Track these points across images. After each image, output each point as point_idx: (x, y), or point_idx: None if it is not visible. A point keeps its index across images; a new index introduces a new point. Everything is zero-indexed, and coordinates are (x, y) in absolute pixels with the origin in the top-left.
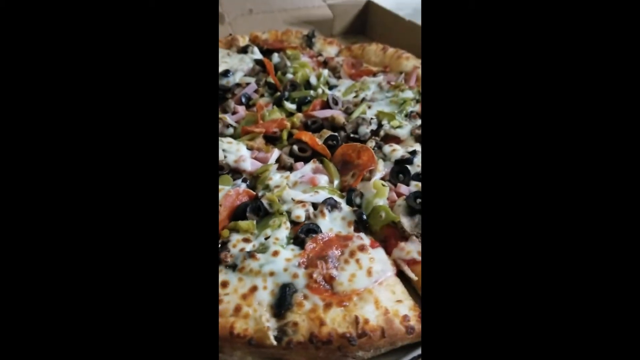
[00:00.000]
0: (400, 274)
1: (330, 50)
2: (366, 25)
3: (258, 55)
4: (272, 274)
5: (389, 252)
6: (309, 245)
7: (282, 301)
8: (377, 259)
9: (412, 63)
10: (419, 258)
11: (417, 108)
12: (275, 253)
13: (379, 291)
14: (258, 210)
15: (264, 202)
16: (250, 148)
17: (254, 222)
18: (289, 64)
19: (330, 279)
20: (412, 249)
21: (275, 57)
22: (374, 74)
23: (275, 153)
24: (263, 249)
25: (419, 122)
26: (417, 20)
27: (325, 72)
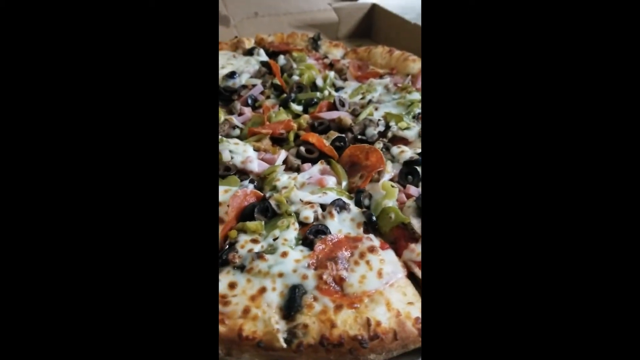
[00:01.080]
0: (411, 276)
1: (336, 53)
2: (371, 29)
3: (264, 57)
4: (281, 275)
5: (399, 254)
6: (318, 246)
7: (292, 303)
8: (388, 261)
9: (418, 65)
10: None
11: None
12: (284, 254)
13: (390, 293)
14: (266, 211)
15: (272, 202)
16: (256, 149)
17: (262, 222)
18: (295, 66)
19: (340, 281)
20: None
21: (281, 59)
22: (381, 76)
23: (282, 154)
24: (272, 249)
25: None
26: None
27: (332, 74)
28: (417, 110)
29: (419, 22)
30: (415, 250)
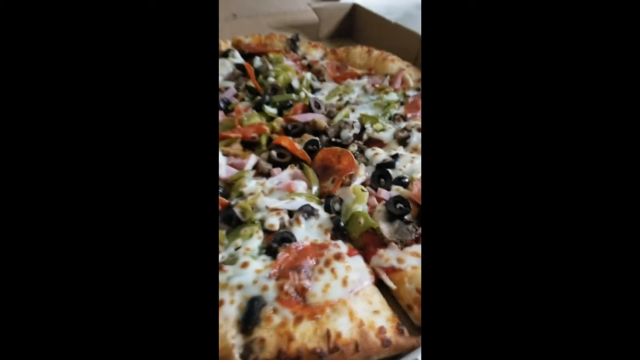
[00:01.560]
0: (379, 283)
1: (315, 54)
2: (353, 29)
3: (239, 59)
4: (240, 286)
5: (367, 260)
6: (282, 255)
7: (250, 316)
8: (354, 268)
9: (397, 65)
10: (398, 265)
11: (401, 110)
12: (245, 264)
13: (355, 302)
14: (230, 219)
15: (236, 210)
16: (226, 154)
17: (224, 232)
18: (271, 67)
19: (302, 291)
20: (391, 256)
21: (257, 61)
22: (359, 77)
23: (252, 159)
24: (232, 260)
25: (402, 124)
26: (407, 23)
27: (309, 75)
28: (394, 111)
29: (404, 22)
30: (384, 255)
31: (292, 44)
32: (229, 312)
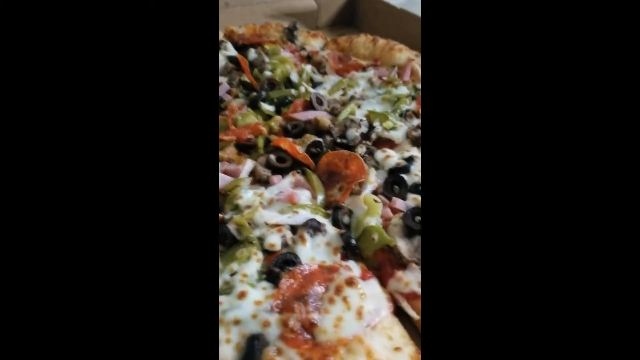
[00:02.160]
0: (399, 311)
1: (315, 44)
2: (355, 16)
3: (232, 51)
4: (237, 322)
5: (384, 284)
6: (285, 281)
7: (250, 358)
8: (370, 295)
9: (405, 55)
10: (420, 291)
11: (413, 106)
12: (242, 294)
13: (372, 338)
14: (224, 239)
15: (231, 227)
16: (218, 160)
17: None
18: (267, 60)
19: (310, 326)
20: (412, 279)
21: (252, 53)
22: (364, 69)
23: (249, 164)
24: (227, 289)
25: (415, 122)
26: (411, 9)
27: (309, 67)
28: (404, 106)
29: (409, 8)
30: (403, 279)
31: (290, 34)
32: (225, 353)
